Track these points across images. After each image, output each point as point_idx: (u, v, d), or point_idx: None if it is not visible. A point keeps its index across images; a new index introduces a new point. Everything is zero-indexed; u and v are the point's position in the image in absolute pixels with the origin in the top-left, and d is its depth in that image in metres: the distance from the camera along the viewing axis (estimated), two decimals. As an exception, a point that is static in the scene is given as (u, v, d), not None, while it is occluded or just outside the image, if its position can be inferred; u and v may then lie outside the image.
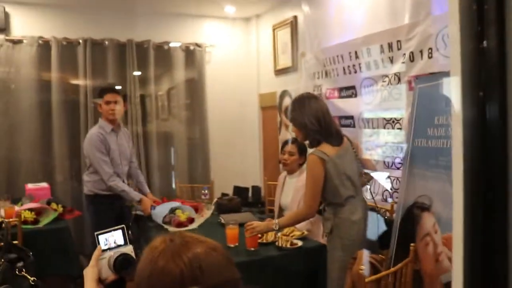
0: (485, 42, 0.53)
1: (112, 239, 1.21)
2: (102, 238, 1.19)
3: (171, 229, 3.13)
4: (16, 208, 3.41)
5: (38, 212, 3.38)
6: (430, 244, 2.20)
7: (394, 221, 2.90)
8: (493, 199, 0.54)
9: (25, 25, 4.56)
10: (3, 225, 1.86)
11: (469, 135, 0.54)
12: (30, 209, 3.34)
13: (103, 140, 3.49)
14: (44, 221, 3.34)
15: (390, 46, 3.19)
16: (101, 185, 3.54)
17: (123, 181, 3.64)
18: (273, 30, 5.01)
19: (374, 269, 2.02)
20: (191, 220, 3.30)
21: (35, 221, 3.30)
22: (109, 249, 1.20)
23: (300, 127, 2.59)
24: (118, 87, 4.76)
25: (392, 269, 1.95)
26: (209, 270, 0.89)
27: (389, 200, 3.23)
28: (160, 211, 3.34)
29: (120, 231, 1.21)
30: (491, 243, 0.55)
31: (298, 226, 3.05)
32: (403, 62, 3.09)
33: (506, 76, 0.51)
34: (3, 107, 4.44)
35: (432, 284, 2.14)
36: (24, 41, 4.51)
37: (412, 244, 2.06)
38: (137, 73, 4.88)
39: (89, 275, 1.13)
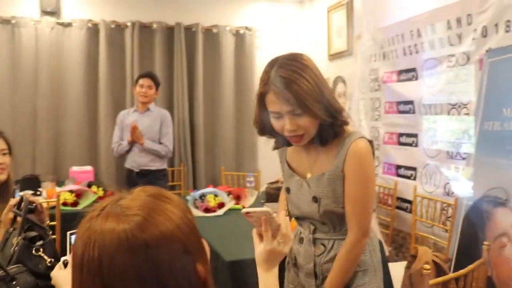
0: None
1: None
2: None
3: (198, 214, 3.15)
4: (58, 189, 3.37)
5: (78, 194, 3.31)
6: (507, 246, 1.86)
7: (456, 218, 2.58)
8: None
9: (75, 9, 4.55)
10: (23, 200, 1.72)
11: None
12: (71, 191, 3.29)
13: (121, 118, 3.93)
14: (83, 203, 3.27)
15: (458, 21, 2.83)
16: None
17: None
18: (328, 12, 4.71)
19: (438, 270, 1.72)
20: (221, 205, 3.22)
21: (75, 203, 3.25)
22: None
23: (323, 109, 1.39)
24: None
25: (463, 271, 1.61)
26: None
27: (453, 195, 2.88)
28: (193, 196, 3.34)
29: None
30: None
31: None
32: (473, 39, 2.73)
33: None
34: (52, 90, 4.43)
35: (509, 293, 1.81)
36: (74, 24, 4.48)
37: (486, 243, 1.73)
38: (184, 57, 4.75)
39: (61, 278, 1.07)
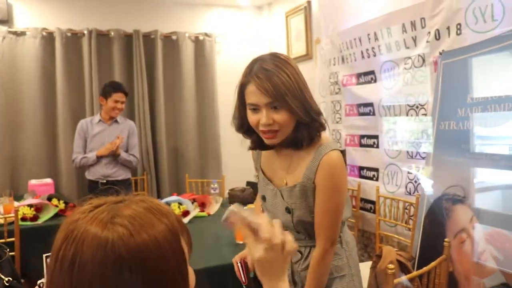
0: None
1: None
2: None
3: None
4: (16, 204, 3.24)
5: (38, 208, 3.20)
6: (466, 242, 1.93)
7: (418, 216, 2.65)
8: None
9: (28, 17, 4.42)
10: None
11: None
12: (30, 205, 3.18)
13: (85, 128, 3.79)
14: (44, 217, 3.16)
15: (413, 24, 2.92)
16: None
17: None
18: (286, 17, 4.77)
19: (402, 268, 1.76)
20: (185, 214, 3.17)
21: (34, 218, 3.13)
22: None
23: (300, 107, 1.38)
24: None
25: (425, 268, 1.67)
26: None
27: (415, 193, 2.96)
28: None
29: None
30: None
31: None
32: (427, 41, 2.82)
33: None
34: (7, 101, 4.28)
35: None
36: (28, 32, 4.35)
37: (447, 240, 1.79)
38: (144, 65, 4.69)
39: None
